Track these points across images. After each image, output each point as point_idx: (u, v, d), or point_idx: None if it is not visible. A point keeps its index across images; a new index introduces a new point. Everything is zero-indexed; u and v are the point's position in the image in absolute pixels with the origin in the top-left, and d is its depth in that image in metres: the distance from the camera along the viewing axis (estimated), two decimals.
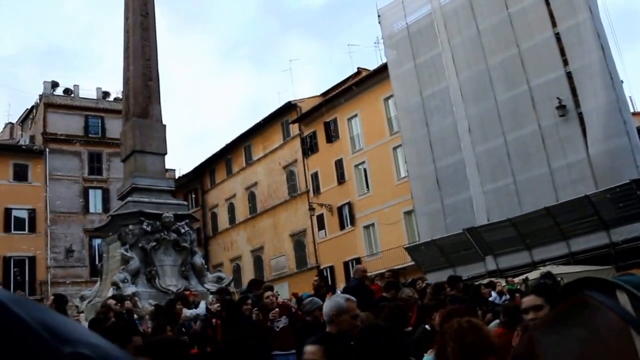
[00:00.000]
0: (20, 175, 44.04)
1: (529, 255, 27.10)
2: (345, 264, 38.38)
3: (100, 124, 48.12)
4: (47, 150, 45.18)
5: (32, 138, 48.04)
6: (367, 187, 39.31)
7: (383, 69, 36.54)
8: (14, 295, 0.77)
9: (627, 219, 24.63)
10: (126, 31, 18.10)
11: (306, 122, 43.68)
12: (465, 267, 28.85)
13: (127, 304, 11.24)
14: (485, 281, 13.66)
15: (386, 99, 37.87)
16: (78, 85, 49.66)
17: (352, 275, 11.82)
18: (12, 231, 42.43)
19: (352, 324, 4.86)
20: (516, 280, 20.28)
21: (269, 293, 10.19)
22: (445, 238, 29.86)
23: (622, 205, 24.56)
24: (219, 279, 16.50)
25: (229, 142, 50.29)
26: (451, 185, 30.46)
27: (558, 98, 26.90)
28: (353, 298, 5.15)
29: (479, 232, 28.51)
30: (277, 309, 9.42)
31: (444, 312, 5.24)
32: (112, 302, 10.16)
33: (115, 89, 49.21)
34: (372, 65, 40.43)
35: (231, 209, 50.64)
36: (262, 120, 46.62)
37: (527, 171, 27.50)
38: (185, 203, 19.44)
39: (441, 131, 31.40)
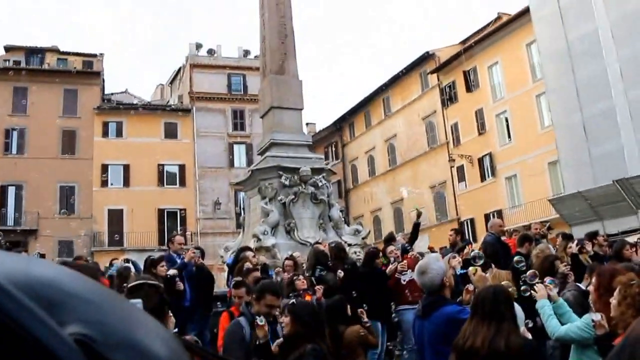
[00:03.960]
0: (171, 133, 46.76)
1: None
2: (487, 217, 37.55)
3: (242, 82, 49.76)
4: (194, 108, 47.53)
5: (180, 97, 50.93)
6: (509, 137, 38.14)
7: (525, 13, 34.93)
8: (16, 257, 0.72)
9: None
10: None
11: (445, 71, 42.78)
12: (615, 220, 27.44)
13: (261, 258, 11.60)
14: (634, 239, 12.87)
15: (528, 45, 36.28)
16: (220, 45, 51.71)
17: (488, 230, 11.54)
18: (165, 185, 45.33)
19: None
20: None
21: (391, 248, 10.18)
22: (593, 190, 28.43)
23: None
24: (357, 231, 16.63)
25: (367, 94, 50.31)
26: (600, 134, 28.84)
27: None
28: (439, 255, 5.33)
29: (631, 184, 26.90)
30: (404, 262, 9.39)
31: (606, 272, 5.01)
32: (250, 253, 10.51)
33: (256, 47, 50.47)
34: (513, 10, 38.77)
35: (371, 162, 50.87)
36: (400, 71, 46.17)
37: None
38: (322, 157, 19.71)
39: (589, 77, 29.62)
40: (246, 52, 51.55)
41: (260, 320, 5.28)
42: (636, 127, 27.46)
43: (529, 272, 6.10)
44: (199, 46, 50.96)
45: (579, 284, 6.55)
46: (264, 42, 18.05)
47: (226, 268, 13.29)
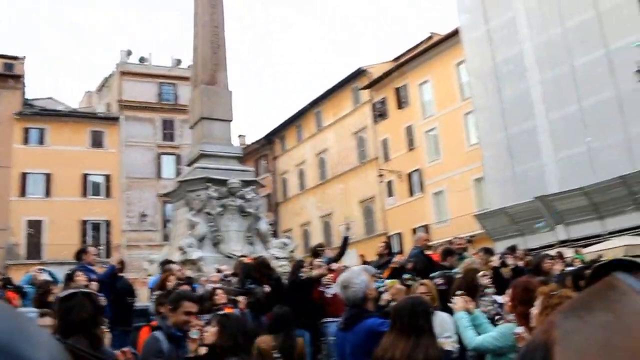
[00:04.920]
0: (97, 141, 45.53)
1: (601, 225, 26.38)
2: (414, 231, 38.12)
3: (173, 91, 49.25)
4: (123, 117, 46.53)
5: (108, 106, 49.59)
6: (437, 153, 38.87)
7: (455, 34, 35.79)
8: None
9: None
10: None
11: (376, 88, 43.34)
12: (536, 236, 28.36)
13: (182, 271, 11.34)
14: (553, 252, 13.35)
15: (458, 64, 37.11)
16: (152, 53, 51.33)
17: (414, 243, 11.76)
18: (89, 196, 44.05)
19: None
20: (584, 251, 19.67)
21: (317, 261, 10.24)
22: (516, 206, 29.31)
23: None
24: (284, 245, 16.64)
25: (299, 108, 50.52)
26: (523, 152, 29.77)
27: (637, 62, 25.77)
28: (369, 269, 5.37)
29: (550, 201, 27.87)
30: (330, 275, 9.44)
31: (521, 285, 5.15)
32: (175, 267, 10.37)
33: (188, 56, 50.07)
34: (445, 30, 39.66)
35: (301, 175, 51.00)
36: (333, 86, 46.54)
37: (603, 138, 26.51)
38: (252, 169, 19.60)
39: (514, 97, 30.59)
40: (178, 61, 50.91)
41: (194, 334, 5.19)
42: (556, 147, 28.46)
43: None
44: (129, 53, 50.04)
45: (495, 297, 6.74)
46: (196, 52, 17.95)
47: (149, 280, 13.04)
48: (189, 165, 17.59)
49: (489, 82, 31.89)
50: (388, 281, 5.68)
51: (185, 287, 8.74)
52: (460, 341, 5.63)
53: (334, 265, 10.09)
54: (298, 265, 10.41)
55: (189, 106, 19.34)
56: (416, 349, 4.18)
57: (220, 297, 8.58)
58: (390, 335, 4.32)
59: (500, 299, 6.50)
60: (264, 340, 7.00)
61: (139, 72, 49.07)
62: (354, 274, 5.20)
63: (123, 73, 48.26)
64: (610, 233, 25.52)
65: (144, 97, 47.75)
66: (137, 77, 48.53)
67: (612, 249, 19.37)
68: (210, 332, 5.13)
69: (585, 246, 21.46)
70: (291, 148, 52.24)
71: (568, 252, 17.14)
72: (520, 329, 4.66)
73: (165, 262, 11.16)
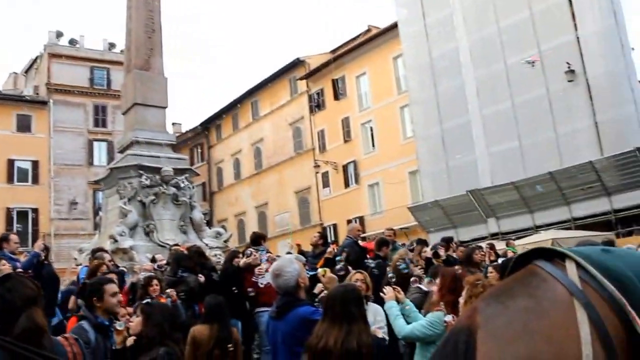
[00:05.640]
0: (24, 126, 43.88)
1: (531, 219, 27.15)
2: (349, 222, 38.37)
3: (105, 76, 47.89)
4: (52, 101, 45.00)
5: (35, 88, 47.67)
6: (373, 145, 39.21)
7: (393, 27, 36.08)
8: None
9: (630, 186, 24.71)
10: None
11: (314, 79, 43.36)
12: (468, 228, 29.05)
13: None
14: (484, 244, 13.64)
15: (395, 58, 37.47)
16: (84, 36, 49.27)
17: (347, 234, 11.86)
18: (15, 182, 42.52)
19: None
20: (516, 243, 20.22)
21: (250, 250, 10.22)
22: (449, 199, 29.89)
23: (625, 172, 24.62)
24: (218, 234, 16.57)
25: (236, 97, 50.10)
26: (456, 146, 30.33)
27: (567, 63, 26.57)
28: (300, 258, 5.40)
29: (482, 194, 28.51)
30: (263, 265, 9.43)
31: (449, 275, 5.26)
32: (107, 256, 10.16)
33: (122, 40, 48.97)
34: (383, 24, 39.97)
35: (236, 165, 50.67)
36: (270, 76, 46.36)
37: (533, 135, 27.28)
38: (186, 157, 19.40)
39: (449, 92, 31.10)
40: (111, 45, 49.45)
41: (119, 325, 5.07)
42: (488, 142, 29.11)
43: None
44: (59, 35, 48.16)
45: (420, 286, 6.85)
46: (129, 36, 17.58)
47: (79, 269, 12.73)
48: (121, 152, 17.25)
49: (425, 76, 32.32)
50: (320, 270, 5.70)
51: (113, 276, 8.55)
52: (390, 330, 5.70)
53: (266, 255, 10.08)
54: (232, 255, 10.36)
55: (121, 91, 18.93)
56: (349, 335, 4.23)
57: (155, 288, 8.46)
58: (323, 323, 4.36)
59: (425, 287, 6.62)
60: (199, 330, 6.94)
61: (70, 54, 47.35)
62: (286, 262, 5.21)
63: (52, 55, 46.57)
64: (538, 227, 26.32)
65: (74, 81, 46.24)
66: (67, 60, 46.91)
67: (540, 242, 19.91)
68: (136, 322, 5.05)
69: (515, 239, 22.03)
70: (227, 137, 51.81)
71: (500, 245, 17.61)
72: (449, 318, 4.75)
73: (97, 251, 10.90)
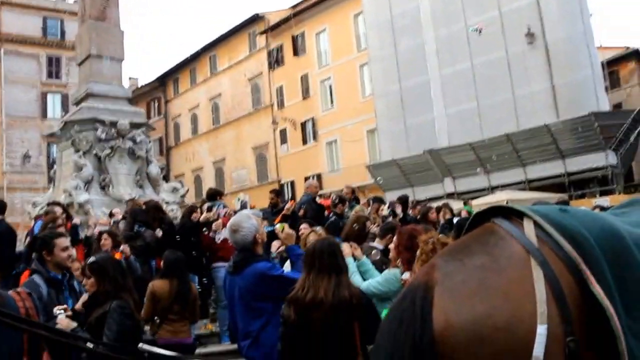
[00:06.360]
0: None
1: (486, 180, 27.52)
2: (307, 179, 38.41)
3: (59, 26, 46.36)
4: (2, 51, 43.59)
5: None
6: (332, 103, 39.12)
7: None
8: None
9: (583, 150, 25.25)
10: None
11: (273, 34, 42.84)
12: (424, 187, 29.36)
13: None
14: (440, 203, 13.82)
15: (356, 16, 37.19)
16: None
17: (304, 191, 11.89)
18: None
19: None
20: (474, 203, 20.52)
21: (207, 205, 10.20)
22: (406, 158, 30.12)
23: (580, 136, 25.11)
24: (175, 189, 16.42)
25: (193, 51, 49.33)
26: (415, 106, 30.44)
27: (527, 26, 26.73)
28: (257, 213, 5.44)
29: (439, 154, 28.80)
30: (219, 221, 9.42)
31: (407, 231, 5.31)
32: (58, 209, 9.97)
33: None
34: None
35: (194, 120, 50.13)
36: (229, 30, 45.66)
37: (491, 97, 27.53)
38: (142, 111, 19.01)
39: (409, 51, 31.07)
40: None
41: (59, 312, 4.52)
42: (447, 103, 29.31)
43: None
44: None
45: (372, 244, 6.93)
46: None
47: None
48: (76, 104, 16.88)
49: (385, 34, 32.19)
50: (278, 225, 5.70)
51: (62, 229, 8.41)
52: None
53: (224, 210, 10.06)
54: (190, 210, 10.32)
55: (76, 42, 18.44)
56: (339, 286, 4.29)
57: (105, 242, 8.36)
58: (309, 276, 4.37)
59: (379, 245, 6.68)
60: (159, 285, 6.93)
61: (21, 3, 45.46)
62: (244, 217, 5.19)
63: (3, 3, 44.84)
64: (494, 187, 26.75)
65: (26, 30, 44.72)
66: (18, 9, 45.22)
67: (496, 202, 20.21)
68: (89, 283, 4.98)
69: (471, 199, 22.36)
70: (184, 91, 51.10)
71: (456, 204, 17.84)
72: (406, 275, 4.80)
73: (52, 205, 10.72)
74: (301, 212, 10.34)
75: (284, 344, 4.44)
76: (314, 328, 4.25)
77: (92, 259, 5.38)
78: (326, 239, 5.00)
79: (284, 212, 10.08)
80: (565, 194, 23.56)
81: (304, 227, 8.20)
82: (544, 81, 26.56)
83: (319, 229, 7.19)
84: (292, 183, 40.31)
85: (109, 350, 4.23)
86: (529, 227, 2.13)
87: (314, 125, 40.05)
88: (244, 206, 15.21)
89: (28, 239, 9.70)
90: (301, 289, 4.34)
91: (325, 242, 4.71)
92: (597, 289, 1.96)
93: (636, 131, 26.53)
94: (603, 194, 24.43)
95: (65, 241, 5.43)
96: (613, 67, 34.58)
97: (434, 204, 13.65)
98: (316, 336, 4.26)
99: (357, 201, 12.69)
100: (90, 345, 4.08)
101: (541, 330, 1.90)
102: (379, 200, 12.12)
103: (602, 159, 25.04)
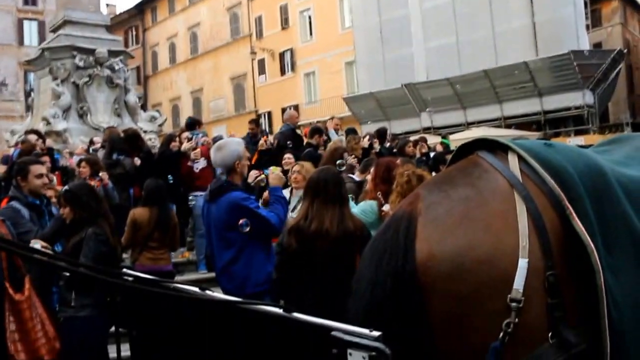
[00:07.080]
0: None
1: (463, 115, 27.65)
2: (284, 110, 38.20)
3: None
4: None
5: None
6: (311, 34, 38.63)
7: None
8: None
9: (561, 89, 25.34)
10: None
11: None
12: (401, 121, 29.41)
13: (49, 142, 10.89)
14: (417, 137, 13.87)
15: None
16: None
17: (284, 121, 11.85)
18: None
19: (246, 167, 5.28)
20: (452, 137, 20.61)
21: (186, 134, 10.15)
22: (384, 91, 30.08)
23: (558, 75, 25.15)
24: (153, 118, 16.36)
25: None
26: (394, 39, 30.20)
27: None
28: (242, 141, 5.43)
29: (417, 89, 28.77)
30: (197, 150, 9.41)
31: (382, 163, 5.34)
32: (33, 137, 9.88)
33: None
34: None
35: (172, 49, 49.32)
36: None
37: (471, 32, 27.35)
38: (120, 39, 18.74)
39: None
40: None
41: (35, 244, 4.28)
42: (426, 37, 29.10)
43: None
44: None
45: (351, 175, 6.99)
46: None
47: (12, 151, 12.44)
48: (53, 32, 16.58)
49: None
50: (272, 167, 5.62)
51: (46, 159, 8.39)
52: None
53: (202, 139, 10.03)
54: (169, 138, 10.27)
55: None
56: (343, 217, 4.23)
57: (83, 170, 8.34)
58: (312, 205, 4.26)
59: (357, 177, 6.74)
60: (139, 213, 6.97)
61: None
62: (233, 141, 5.21)
63: None
64: (470, 123, 26.88)
65: None
66: None
67: (471, 138, 20.32)
68: (66, 213, 4.98)
69: (447, 135, 22.48)
70: (162, 20, 50.07)
71: (432, 139, 17.93)
72: (387, 207, 4.82)
73: (30, 133, 10.63)
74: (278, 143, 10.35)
75: (280, 273, 4.41)
76: (316, 258, 4.16)
77: (65, 187, 5.39)
78: (329, 168, 4.95)
79: (258, 147, 10.10)
80: (540, 133, 23.81)
81: (288, 157, 8.26)
82: (525, 17, 26.42)
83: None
84: (270, 113, 40.17)
85: (88, 270, 4.27)
86: (513, 161, 2.17)
87: (292, 56, 39.64)
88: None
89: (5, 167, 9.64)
90: (304, 218, 4.25)
91: (330, 171, 4.64)
92: (579, 225, 2.00)
93: (615, 71, 26.65)
94: (578, 133, 24.67)
95: (40, 168, 5.42)
96: (595, 5, 34.34)
97: (411, 138, 13.72)
98: (317, 267, 4.17)
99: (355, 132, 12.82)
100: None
101: (522, 263, 1.94)
102: (352, 132, 12.20)
103: (579, 99, 25.20)
